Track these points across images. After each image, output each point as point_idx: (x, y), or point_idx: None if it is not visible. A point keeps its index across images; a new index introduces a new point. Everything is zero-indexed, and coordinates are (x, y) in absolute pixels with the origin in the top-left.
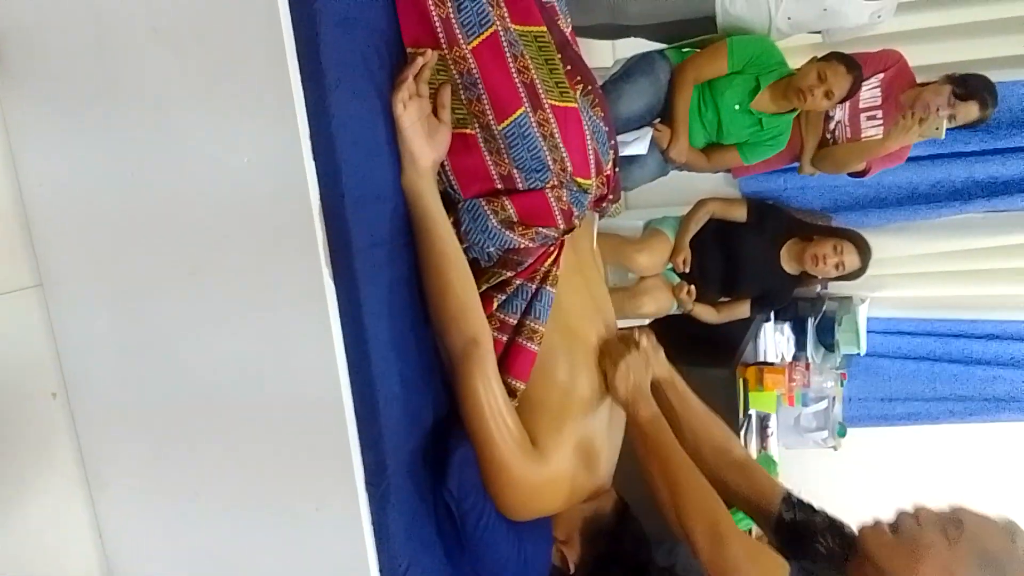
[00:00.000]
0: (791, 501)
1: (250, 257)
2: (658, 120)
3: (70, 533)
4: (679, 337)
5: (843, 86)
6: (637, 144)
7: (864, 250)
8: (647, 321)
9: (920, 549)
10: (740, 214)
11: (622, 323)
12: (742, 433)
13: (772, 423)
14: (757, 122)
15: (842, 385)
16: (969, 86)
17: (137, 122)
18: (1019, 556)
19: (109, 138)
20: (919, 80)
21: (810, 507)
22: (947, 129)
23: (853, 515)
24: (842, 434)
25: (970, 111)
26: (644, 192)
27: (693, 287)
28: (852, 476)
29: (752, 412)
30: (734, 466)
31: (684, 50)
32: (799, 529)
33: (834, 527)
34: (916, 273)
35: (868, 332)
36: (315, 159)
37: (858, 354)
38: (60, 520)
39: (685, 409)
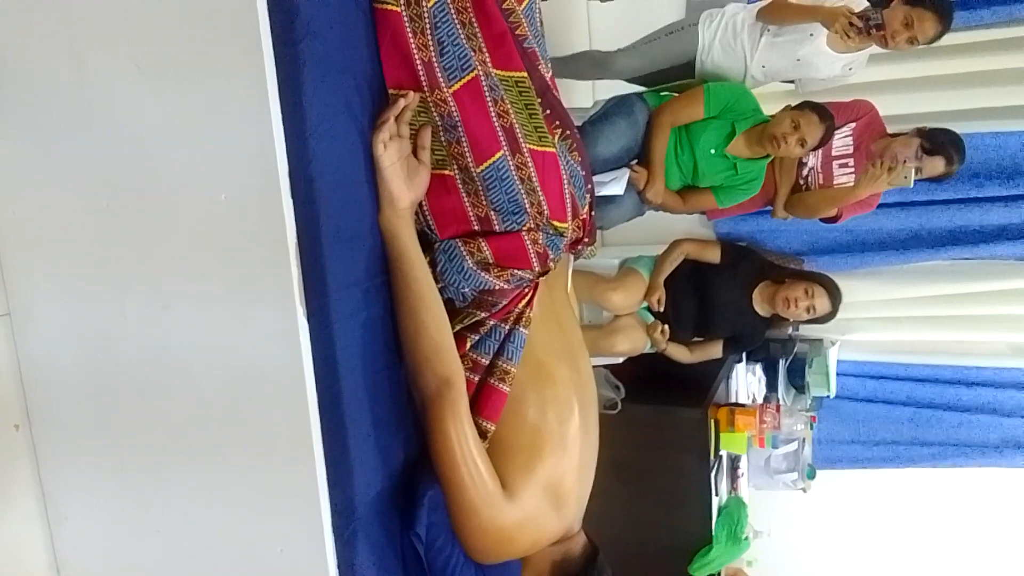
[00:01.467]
0: None
1: (224, 293)
2: (635, 161)
3: (27, 569)
4: (652, 377)
5: (816, 134)
6: (614, 184)
7: (835, 294)
8: (621, 359)
9: None
10: (714, 255)
11: (596, 361)
12: (712, 475)
13: (743, 464)
14: (732, 166)
15: (812, 427)
16: (937, 141)
17: (113, 155)
18: None
19: (83, 169)
20: (890, 130)
21: None
22: (915, 180)
23: (826, 560)
24: (811, 476)
25: (936, 166)
26: (620, 231)
27: (667, 327)
28: (821, 518)
29: (723, 453)
30: None
31: (662, 93)
32: None
33: None
34: (886, 318)
35: (838, 375)
36: (293, 198)
37: (828, 396)
38: (17, 555)
39: None
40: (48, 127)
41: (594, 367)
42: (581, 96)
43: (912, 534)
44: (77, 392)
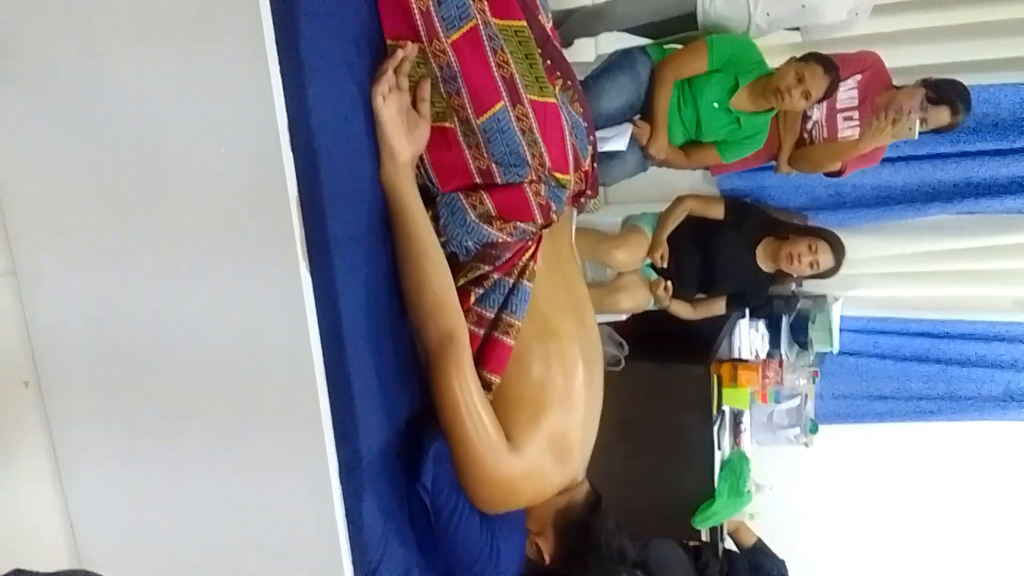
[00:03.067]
0: None
1: (227, 249)
2: (638, 116)
3: (40, 522)
4: (655, 334)
5: (820, 87)
6: (617, 140)
7: (838, 249)
8: (624, 316)
9: None
10: (718, 212)
11: (600, 318)
12: (715, 429)
13: (745, 420)
14: (735, 120)
15: (814, 383)
16: (942, 91)
17: (115, 114)
18: None
19: (86, 128)
20: (896, 82)
21: None
22: (920, 132)
23: (827, 513)
24: (814, 431)
25: (941, 116)
26: (623, 188)
27: (670, 283)
28: (823, 472)
29: (726, 408)
30: None
31: (665, 47)
32: None
33: None
34: (889, 273)
35: (841, 331)
36: (293, 151)
37: (831, 352)
38: (30, 510)
39: None
40: (51, 89)
41: (598, 324)
42: (583, 51)
43: (914, 488)
44: (85, 350)
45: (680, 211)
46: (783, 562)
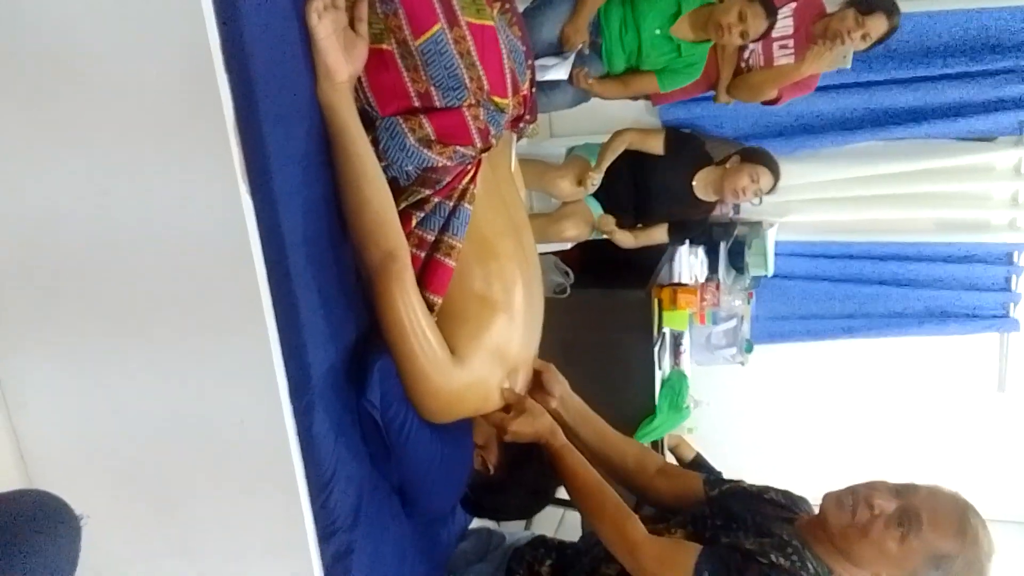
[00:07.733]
0: (711, 480)
1: (163, 175)
2: (581, 45)
3: None
4: (599, 261)
5: (759, 29)
6: (558, 69)
7: (775, 169)
8: (569, 245)
9: (871, 538)
10: (657, 146)
11: (545, 247)
12: (656, 350)
13: (685, 341)
14: (675, 48)
15: (750, 304)
16: (869, 2)
17: (39, 40)
18: (968, 556)
19: (9, 57)
20: (828, 11)
21: (730, 479)
22: (864, 50)
23: (761, 426)
24: (749, 350)
25: (879, 23)
26: (568, 120)
27: (612, 217)
28: (757, 388)
29: (666, 330)
30: (658, 475)
31: None
32: (728, 497)
33: (761, 488)
34: (821, 199)
35: (775, 255)
36: (228, 72)
37: (766, 276)
38: None
39: (599, 439)
40: None
41: (543, 253)
42: None
43: (841, 401)
44: (21, 276)
45: (619, 143)
46: (720, 473)
